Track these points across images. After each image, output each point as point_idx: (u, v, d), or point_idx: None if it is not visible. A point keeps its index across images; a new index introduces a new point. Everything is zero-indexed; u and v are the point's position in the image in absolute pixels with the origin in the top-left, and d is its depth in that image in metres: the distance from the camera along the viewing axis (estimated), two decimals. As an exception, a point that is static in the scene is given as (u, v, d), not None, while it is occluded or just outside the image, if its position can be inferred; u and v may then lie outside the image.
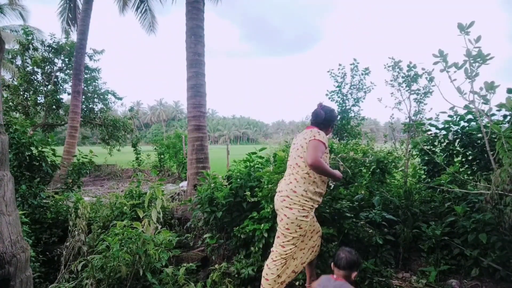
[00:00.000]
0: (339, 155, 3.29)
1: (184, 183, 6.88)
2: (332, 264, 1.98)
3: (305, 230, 2.22)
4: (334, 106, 5.89)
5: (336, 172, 2.26)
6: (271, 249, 2.32)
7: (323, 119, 2.35)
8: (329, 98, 5.94)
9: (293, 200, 2.18)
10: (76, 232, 3.46)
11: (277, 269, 2.22)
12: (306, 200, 2.18)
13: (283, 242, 2.23)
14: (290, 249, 2.21)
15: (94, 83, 12.09)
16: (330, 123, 2.41)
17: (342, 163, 2.97)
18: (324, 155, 2.22)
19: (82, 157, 5.75)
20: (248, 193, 3.04)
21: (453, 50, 2.56)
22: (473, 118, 3.17)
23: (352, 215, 3.00)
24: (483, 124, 2.62)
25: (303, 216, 2.17)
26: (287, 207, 2.19)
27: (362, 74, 5.67)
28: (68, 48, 10.89)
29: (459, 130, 3.32)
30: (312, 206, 2.23)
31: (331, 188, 2.97)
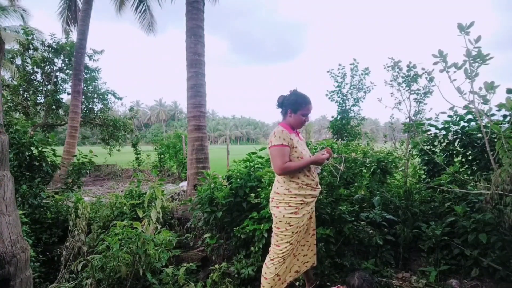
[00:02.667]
0: (334, 154, 3.26)
1: (184, 183, 6.89)
2: (345, 286, 1.94)
3: (298, 226, 2.16)
4: (334, 106, 5.89)
5: (314, 157, 2.16)
6: (269, 249, 2.32)
7: (280, 103, 2.25)
8: (329, 98, 5.94)
9: (278, 199, 2.19)
10: (76, 232, 3.46)
11: (275, 268, 2.19)
12: (291, 197, 2.14)
13: (277, 241, 2.22)
14: (286, 247, 2.18)
15: (94, 83, 12.09)
16: (289, 107, 2.20)
17: (335, 164, 2.94)
18: (293, 151, 2.13)
19: (82, 157, 5.75)
20: (252, 195, 3.04)
21: (445, 49, 2.55)
22: (473, 118, 3.17)
23: (353, 219, 3.00)
24: (483, 124, 2.62)
25: (291, 213, 2.13)
26: (274, 206, 2.21)
27: (362, 74, 5.67)
28: (68, 48, 10.89)
29: (459, 130, 3.32)
30: (303, 201, 2.15)
31: (321, 175, 2.90)
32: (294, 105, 2.18)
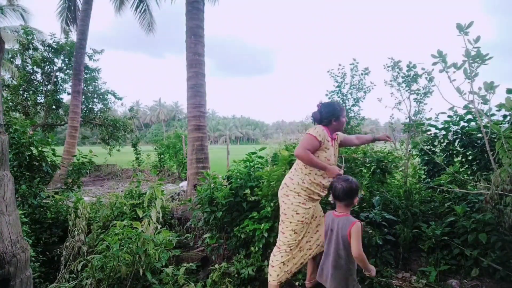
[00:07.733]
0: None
1: (184, 183, 6.89)
2: (331, 196, 2.06)
3: (304, 217, 2.25)
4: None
5: (328, 166, 2.22)
6: (277, 239, 2.40)
7: (319, 118, 2.36)
8: (329, 98, 5.93)
9: (289, 187, 2.29)
10: (76, 232, 3.46)
11: (282, 256, 2.29)
12: (302, 189, 2.26)
13: (282, 228, 2.32)
14: (291, 235, 2.27)
15: (94, 83, 12.10)
16: (331, 117, 2.33)
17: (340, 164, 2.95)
18: (320, 150, 2.24)
19: (82, 157, 5.75)
20: (247, 191, 3.05)
21: (444, 50, 2.56)
22: (472, 118, 3.17)
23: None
24: (483, 124, 2.62)
25: (299, 202, 2.25)
26: (284, 194, 2.31)
27: (362, 74, 5.66)
28: (68, 48, 10.89)
29: (459, 130, 3.32)
30: (310, 196, 2.27)
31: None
32: (335, 114, 2.32)
